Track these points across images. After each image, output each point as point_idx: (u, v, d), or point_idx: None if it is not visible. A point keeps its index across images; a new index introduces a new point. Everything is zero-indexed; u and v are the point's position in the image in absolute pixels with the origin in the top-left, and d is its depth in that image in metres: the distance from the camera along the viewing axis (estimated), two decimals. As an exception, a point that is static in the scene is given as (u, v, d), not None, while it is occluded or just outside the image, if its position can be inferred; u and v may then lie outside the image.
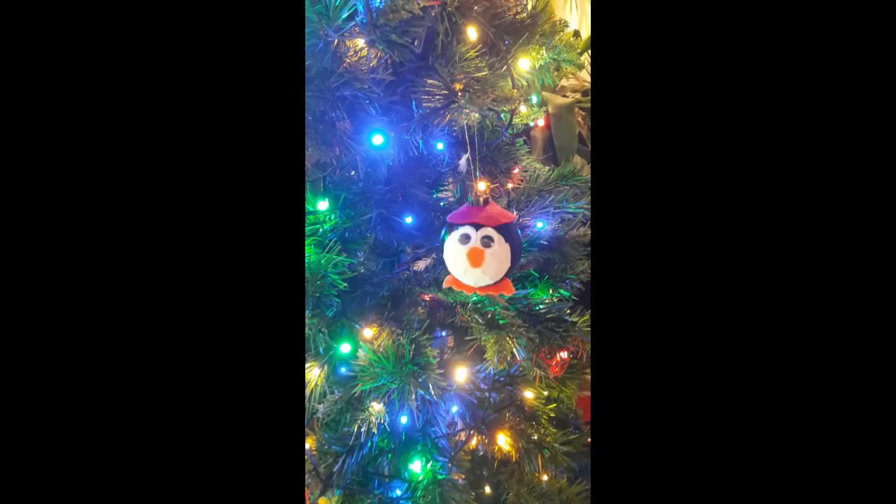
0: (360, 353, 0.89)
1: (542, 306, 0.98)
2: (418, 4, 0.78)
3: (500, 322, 0.93)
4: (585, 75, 2.12)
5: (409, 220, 1.02)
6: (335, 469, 1.00)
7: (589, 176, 1.04)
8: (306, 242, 0.89)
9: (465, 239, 0.84)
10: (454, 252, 0.84)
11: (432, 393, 0.86)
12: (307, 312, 0.87)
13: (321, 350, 0.93)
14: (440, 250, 0.88)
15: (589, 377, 1.09)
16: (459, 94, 0.83)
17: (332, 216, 0.95)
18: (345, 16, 0.78)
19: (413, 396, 0.86)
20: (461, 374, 1.03)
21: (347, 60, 0.83)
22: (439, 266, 1.01)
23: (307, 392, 0.95)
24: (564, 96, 2.02)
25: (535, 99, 1.11)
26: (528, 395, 1.11)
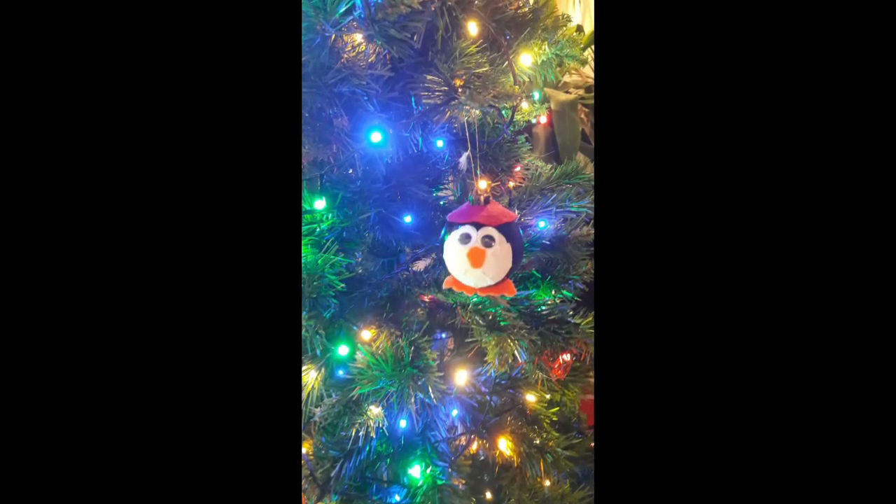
0: (358, 355, 0.89)
1: (544, 307, 0.98)
2: (417, -1, 0.77)
3: (502, 324, 0.92)
4: (588, 71, 2.12)
5: (408, 219, 1.01)
6: (332, 474, 1.00)
7: (592, 174, 1.03)
8: (303, 242, 0.89)
9: (466, 238, 0.83)
10: (454, 252, 0.84)
11: (432, 396, 0.86)
12: (304, 314, 0.87)
13: (318, 352, 0.94)
14: (440, 250, 0.87)
15: (592, 380, 1.09)
16: (460, 90, 0.82)
17: (330, 215, 0.94)
18: (342, 10, 0.77)
19: (412, 400, 0.86)
20: (461, 376, 1.02)
21: (345, 56, 0.82)
22: (439, 266, 1.00)
23: (304, 395, 0.94)
24: (567, 93, 2.02)
25: (536, 95, 1.10)
26: (530, 398, 1.11)
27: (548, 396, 1.11)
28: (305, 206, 0.93)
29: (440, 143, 0.98)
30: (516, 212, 0.97)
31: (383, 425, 0.95)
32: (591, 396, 0.80)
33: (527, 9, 0.90)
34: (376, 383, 0.85)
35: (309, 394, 0.94)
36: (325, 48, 0.80)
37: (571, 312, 0.98)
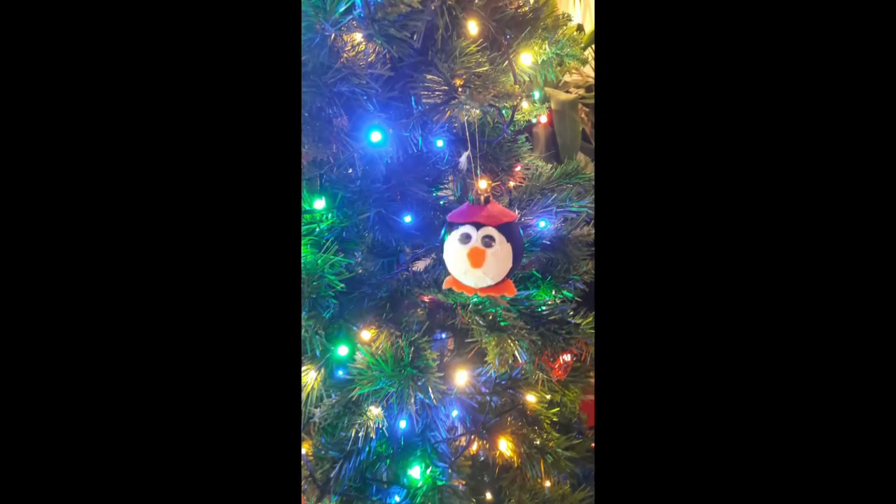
0: (358, 355, 0.88)
1: (544, 308, 0.97)
2: (417, -3, 0.77)
3: (502, 324, 0.92)
4: (589, 70, 2.12)
5: (408, 219, 1.01)
6: (332, 475, 0.99)
7: (592, 174, 1.03)
8: (302, 242, 0.89)
9: (466, 238, 0.82)
10: (454, 252, 0.83)
11: (432, 397, 0.86)
12: (303, 314, 0.87)
13: (318, 353, 0.93)
14: (440, 250, 0.87)
15: (593, 380, 1.08)
16: (460, 89, 0.82)
17: (329, 215, 0.94)
18: (342, 9, 0.77)
19: (412, 400, 0.85)
20: (461, 377, 1.02)
21: (345, 55, 0.82)
22: (439, 266, 1.00)
23: (303, 396, 0.94)
24: (567, 92, 2.02)
25: (537, 95, 1.10)
26: (531, 398, 1.10)
27: (548, 397, 1.10)
28: (305, 205, 0.93)
29: (440, 143, 0.98)
30: (516, 212, 0.96)
31: (383, 426, 0.94)
32: (592, 397, 0.80)
33: (527, 8, 0.90)
34: (376, 384, 0.85)
35: (308, 394, 0.94)
36: (324, 47, 0.80)
37: (572, 312, 0.98)
